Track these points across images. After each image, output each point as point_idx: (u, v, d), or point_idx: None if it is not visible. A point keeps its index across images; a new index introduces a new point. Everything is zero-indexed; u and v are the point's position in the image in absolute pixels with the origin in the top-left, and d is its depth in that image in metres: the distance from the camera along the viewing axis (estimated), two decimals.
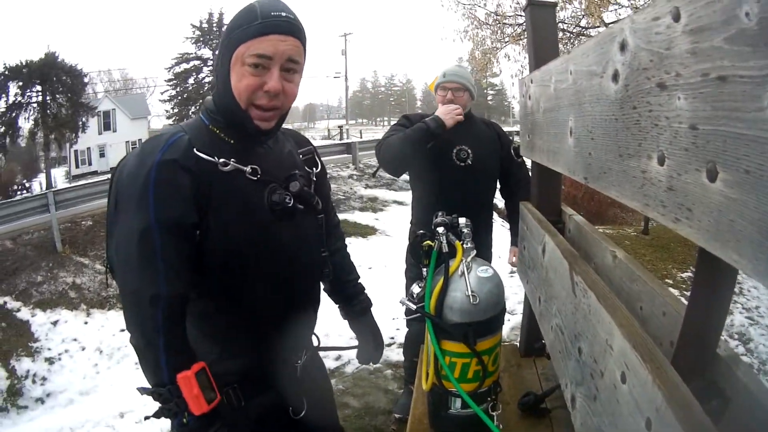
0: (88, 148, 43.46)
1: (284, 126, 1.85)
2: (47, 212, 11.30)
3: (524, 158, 3.34)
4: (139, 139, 44.55)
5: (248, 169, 1.66)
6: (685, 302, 1.26)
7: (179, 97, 43.61)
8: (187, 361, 1.52)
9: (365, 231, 11.88)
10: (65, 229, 11.47)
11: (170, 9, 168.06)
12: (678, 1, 0.96)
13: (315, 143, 2.15)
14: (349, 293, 2.23)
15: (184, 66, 43.90)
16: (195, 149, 1.58)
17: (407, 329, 3.87)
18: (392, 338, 5.99)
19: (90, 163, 43.95)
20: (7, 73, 32.83)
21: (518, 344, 3.39)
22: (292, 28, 1.60)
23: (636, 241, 10.43)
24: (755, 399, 1.07)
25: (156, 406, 1.52)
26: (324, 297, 2.07)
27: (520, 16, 13.28)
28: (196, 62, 43.81)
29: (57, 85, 34.29)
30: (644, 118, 1.14)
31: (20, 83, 33.26)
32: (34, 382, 7.14)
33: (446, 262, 2.14)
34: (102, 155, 44.21)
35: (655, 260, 9.15)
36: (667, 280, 8.10)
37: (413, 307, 2.16)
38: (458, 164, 3.50)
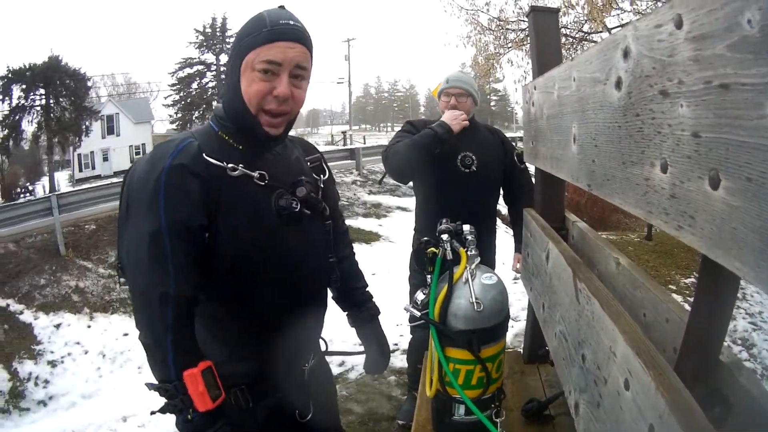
0: (92, 152, 43.57)
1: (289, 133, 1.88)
2: (50, 215, 11.31)
3: (527, 164, 3.35)
4: (143, 144, 44.80)
5: (256, 174, 1.69)
6: (688, 309, 1.26)
7: (183, 102, 43.79)
8: (195, 360, 1.55)
9: (369, 237, 11.87)
10: (68, 232, 11.47)
11: (174, 14, 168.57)
12: (680, 8, 0.96)
13: (319, 149, 2.18)
14: (357, 301, 2.24)
15: (188, 71, 44.13)
16: (204, 154, 1.62)
17: (411, 336, 3.85)
18: (396, 345, 5.97)
19: (93, 167, 44.07)
20: (10, 76, 32.98)
21: (522, 351, 3.39)
22: (300, 36, 1.65)
23: (639, 247, 10.41)
24: (758, 405, 1.07)
25: (162, 402, 1.57)
26: (328, 303, 2.07)
27: (523, 21, 13.23)
28: (200, 67, 44.00)
29: (60, 89, 34.45)
30: (647, 125, 1.14)
31: (23, 86, 33.43)
32: (36, 384, 7.14)
33: (450, 270, 2.14)
34: (105, 159, 44.34)
35: (659, 266, 9.13)
36: (670, 286, 8.08)
37: (417, 314, 2.17)
38: (463, 171, 3.50)
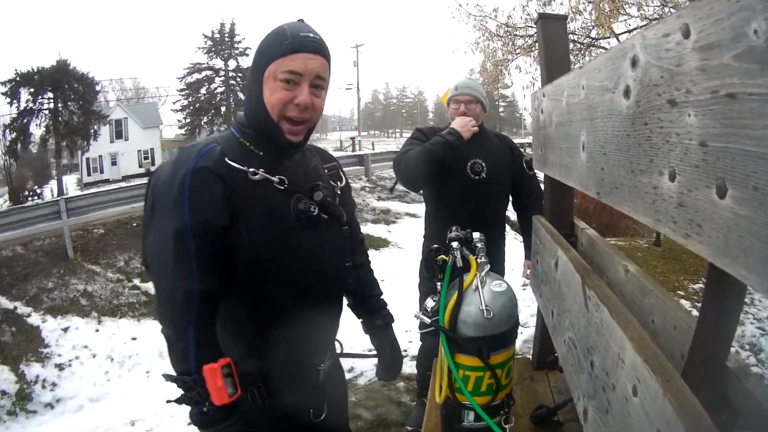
0: (100, 156, 43.72)
1: None
2: (59, 219, 11.28)
3: (535, 171, 3.35)
4: (151, 149, 44.93)
5: (276, 179, 1.75)
6: (696, 315, 1.27)
7: (191, 107, 43.88)
8: (215, 355, 1.61)
9: (378, 243, 11.87)
10: (77, 236, 11.47)
11: (182, 19, 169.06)
12: (688, 18, 0.97)
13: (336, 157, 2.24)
14: (371, 308, 2.30)
15: (196, 76, 44.21)
16: (227, 159, 1.68)
17: (421, 343, 3.86)
18: (405, 351, 5.91)
19: (102, 171, 44.19)
20: (18, 79, 33.10)
21: (531, 357, 3.39)
22: (320, 48, 1.73)
23: (648, 253, 10.38)
24: (764, 411, 1.08)
25: (178, 393, 1.64)
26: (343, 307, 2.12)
27: (531, 27, 13.23)
28: (208, 72, 44.10)
29: (69, 93, 34.58)
30: (655, 134, 1.14)
31: (31, 90, 33.55)
32: (43, 387, 7.13)
33: (460, 277, 2.15)
34: (114, 163, 44.47)
35: (667, 272, 9.09)
36: (678, 292, 8.05)
37: (427, 321, 2.17)
38: (473, 178, 3.50)
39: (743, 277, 0.83)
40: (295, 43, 1.68)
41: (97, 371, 7.50)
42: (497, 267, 3.47)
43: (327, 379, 2.00)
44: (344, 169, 2.18)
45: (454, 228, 2.32)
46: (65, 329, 8.47)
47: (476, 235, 2.29)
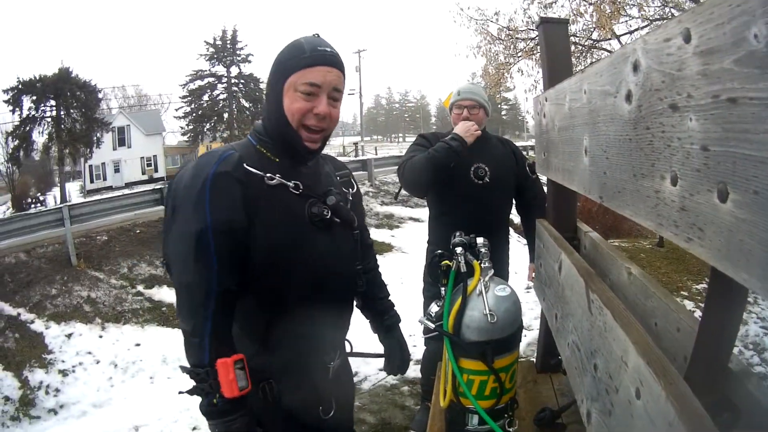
0: (103, 163, 43.76)
1: None
2: (62, 226, 11.26)
3: (538, 174, 3.36)
4: (154, 156, 45.01)
5: (291, 183, 1.85)
6: (698, 318, 1.27)
7: (194, 114, 43.73)
8: (229, 351, 1.70)
9: (381, 248, 11.83)
10: (80, 243, 11.48)
11: (184, 26, 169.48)
12: (688, 23, 0.97)
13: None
14: (380, 309, 2.41)
15: (199, 83, 44.08)
16: (245, 164, 1.77)
17: (425, 347, 3.87)
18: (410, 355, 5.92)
19: (105, 178, 44.22)
20: (21, 87, 33.17)
21: (535, 360, 3.39)
22: (336, 61, 1.84)
23: (651, 254, 10.34)
24: (766, 411, 1.08)
25: (191, 385, 1.72)
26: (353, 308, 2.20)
27: (533, 30, 13.22)
28: (211, 79, 43.97)
29: (71, 100, 34.64)
30: (657, 138, 1.15)
31: (34, 97, 33.61)
32: (47, 393, 7.12)
33: (464, 282, 2.17)
34: (117, 170, 44.53)
35: (671, 272, 9.06)
36: (682, 293, 8.01)
37: (432, 325, 2.19)
38: (476, 182, 3.51)
39: (745, 280, 0.83)
40: (315, 56, 1.78)
41: (101, 377, 7.48)
42: (501, 271, 3.48)
43: (336, 377, 2.07)
44: None
45: (458, 233, 2.33)
46: (69, 335, 8.47)
47: (480, 240, 2.31)
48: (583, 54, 13.30)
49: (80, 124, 35.16)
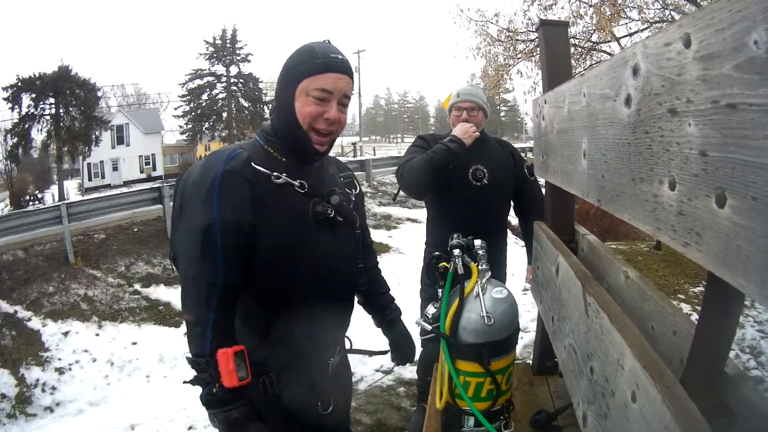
0: (101, 162, 43.79)
1: None
2: (60, 224, 11.21)
3: (536, 177, 3.36)
4: (153, 154, 45.06)
5: (297, 183, 1.90)
6: (695, 321, 1.27)
7: (193, 113, 43.82)
8: (230, 342, 1.74)
9: (379, 249, 11.80)
10: (78, 241, 11.46)
11: (184, 25, 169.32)
12: (689, 28, 0.97)
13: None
14: (382, 304, 2.47)
15: (198, 82, 44.19)
16: (252, 163, 1.83)
17: (422, 349, 3.84)
18: None
19: (103, 176, 44.25)
20: (20, 84, 33.19)
21: (531, 362, 3.39)
22: (346, 68, 1.90)
23: (649, 257, 10.34)
24: (762, 416, 1.09)
25: (192, 375, 1.76)
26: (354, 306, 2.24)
27: (532, 32, 13.23)
28: (210, 78, 44.06)
29: (70, 99, 34.70)
30: (656, 143, 1.15)
31: (33, 95, 33.64)
32: (43, 390, 7.10)
33: (461, 284, 2.17)
34: (115, 169, 44.55)
35: (668, 275, 9.06)
36: (679, 296, 8.02)
37: (428, 327, 2.20)
38: (474, 184, 3.51)
39: (742, 286, 0.83)
40: (327, 63, 1.84)
41: (97, 375, 7.46)
42: (498, 273, 3.48)
43: (335, 374, 2.11)
44: None
45: (455, 235, 2.33)
46: (65, 333, 8.44)
47: (477, 242, 2.31)
48: (583, 56, 13.34)
49: (79, 122, 35.21)
